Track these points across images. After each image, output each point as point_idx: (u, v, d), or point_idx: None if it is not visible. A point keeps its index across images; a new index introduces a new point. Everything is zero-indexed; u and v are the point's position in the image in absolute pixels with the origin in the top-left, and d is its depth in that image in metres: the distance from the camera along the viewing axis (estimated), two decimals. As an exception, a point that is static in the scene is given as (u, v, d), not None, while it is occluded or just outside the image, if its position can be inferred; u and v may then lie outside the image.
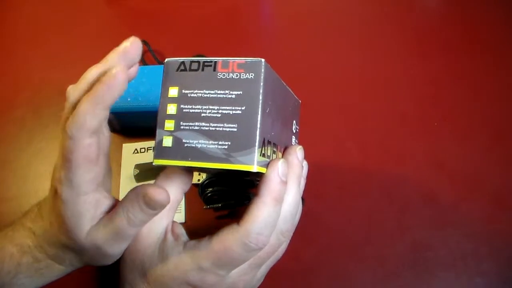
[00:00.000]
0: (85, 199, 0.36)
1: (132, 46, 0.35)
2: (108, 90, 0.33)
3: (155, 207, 0.35)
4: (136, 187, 0.37)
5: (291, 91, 0.42)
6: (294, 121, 0.43)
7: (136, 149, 0.63)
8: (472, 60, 0.71)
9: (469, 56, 0.72)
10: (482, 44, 0.73)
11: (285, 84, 0.40)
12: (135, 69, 0.37)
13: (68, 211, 0.36)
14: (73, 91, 0.35)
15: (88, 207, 0.37)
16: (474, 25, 0.75)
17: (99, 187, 0.37)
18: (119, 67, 0.33)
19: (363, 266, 0.57)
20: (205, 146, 0.34)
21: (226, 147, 0.33)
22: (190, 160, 0.34)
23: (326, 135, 0.65)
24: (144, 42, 0.71)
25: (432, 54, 0.72)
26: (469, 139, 0.65)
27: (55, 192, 0.37)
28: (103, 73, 0.34)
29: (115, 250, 0.38)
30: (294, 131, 0.43)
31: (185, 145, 0.34)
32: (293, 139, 0.43)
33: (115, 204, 0.38)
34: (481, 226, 0.59)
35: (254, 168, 0.33)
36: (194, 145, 0.34)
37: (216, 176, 0.56)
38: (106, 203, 0.38)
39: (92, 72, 0.35)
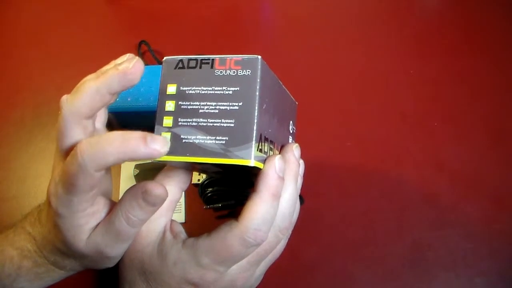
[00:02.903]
0: (83, 214, 0.36)
1: (133, 68, 0.34)
2: (119, 77, 0.34)
3: (154, 202, 0.35)
4: (131, 187, 0.36)
5: (287, 91, 0.42)
6: (291, 122, 0.44)
7: (136, 149, 0.63)
8: (472, 60, 0.71)
9: (469, 56, 0.72)
10: (482, 44, 0.73)
11: (281, 83, 0.40)
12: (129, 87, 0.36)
13: (65, 224, 0.36)
14: (68, 103, 0.35)
15: (86, 220, 0.37)
16: (474, 25, 0.75)
17: (97, 199, 0.37)
18: (139, 61, 0.34)
19: (363, 266, 0.57)
20: (203, 141, 0.34)
21: (223, 142, 0.34)
22: (188, 156, 0.34)
23: (326, 135, 0.65)
24: (144, 42, 0.71)
25: (432, 54, 0.72)
26: (469, 139, 0.65)
27: (50, 204, 0.36)
28: (101, 89, 0.34)
29: (116, 252, 0.38)
30: (291, 131, 0.44)
31: (183, 141, 0.34)
32: (290, 139, 0.43)
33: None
34: (481, 226, 0.59)
35: (252, 163, 0.33)
36: (192, 141, 0.34)
37: (216, 176, 0.56)
38: (104, 211, 0.38)
39: (91, 85, 0.34)
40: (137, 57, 0.35)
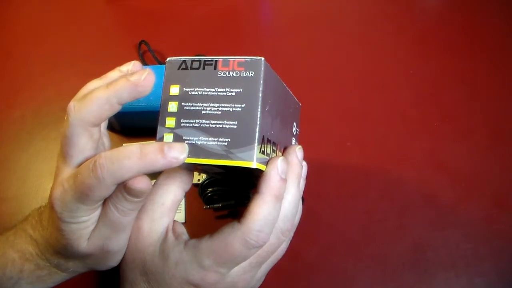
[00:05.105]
0: (87, 218, 0.36)
1: (145, 81, 0.35)
2: (130, 88, 0.34)
3: (137, 195, 0.35)
4: None
5: (291, 93, 0.42)
6: (295, 123, 0.44)
7: (136, 149, 0.63)
8: (472, 60, 0.71)
9: (469, 56, 0.72)
10: (482, 44, 0.73)
11: (285, 85, 0.40)
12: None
13: (68, 229, 0.37)
14: (76, 111, 0.35)
15: (89, 223, 0.37)
16: (474, 25, 0.75)
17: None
18: (150, 73, 0.35)
19: (363, 266, 0.57)
20: (205, 142, 0.34)
21: (226, 143, 0.34)
22: (190, 157, 0.34)
23: (326, 135, 0.65)
24: (144, 42, 0.71)
25: (432, 54, 0.72)
26: (469, 139, 0.65)
27: (53, 208, 0.36)
28: (110, 99, 0.35)
29: (117, 244, 0.38)
30: (294, 133, 0.44)
31: (186, 142, 0.34)
32: (293, 141, 0.43)
33: None
34: (481, 226, 0.59)
35: (254, 165, 0.33)
36: (194, 142, 0.34)
37: (217, 176, 0.56)
38: None
39: (101, 95, 0.35)
40: (148, 69, 0.35)
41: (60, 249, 0.39)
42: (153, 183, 0.39)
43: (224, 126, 0.34)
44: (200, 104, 0.35)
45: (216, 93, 0.35)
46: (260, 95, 0.34)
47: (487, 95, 0.68)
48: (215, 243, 0.36)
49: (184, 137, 0.35)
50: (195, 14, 0.78)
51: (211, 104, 0.34)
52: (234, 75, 0.34)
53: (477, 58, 0.71)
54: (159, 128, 0.35)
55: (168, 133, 0.35)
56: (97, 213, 0.37)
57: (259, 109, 0.33)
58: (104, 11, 0.80)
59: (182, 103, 0.35)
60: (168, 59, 0.37)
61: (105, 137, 0.42)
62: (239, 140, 0.33)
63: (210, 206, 0.58)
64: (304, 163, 0.41)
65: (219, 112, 0.34)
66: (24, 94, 0.70)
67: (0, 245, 0.43)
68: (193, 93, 0.35)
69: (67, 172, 0.36)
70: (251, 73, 0.34)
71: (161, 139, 0.35)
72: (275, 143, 0.37)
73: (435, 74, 0.70)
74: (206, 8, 0.79)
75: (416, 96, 0.68)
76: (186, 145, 0.34)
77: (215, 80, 0.35)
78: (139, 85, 0.34)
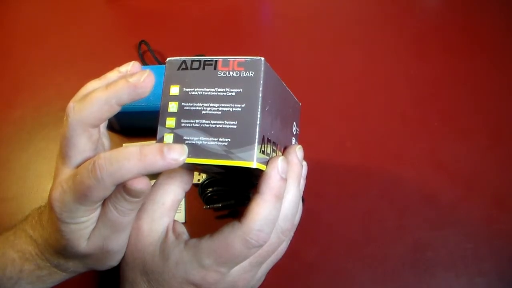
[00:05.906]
0: (86, 219, 0.37)
1: (144, 82, 0.35)
2: (129, 90, 0.34)
3: (136, 195, 0.35)
4: None
5: (291, 93, 0.42)
6: (294, 123, 0.44)
7: (136, 149, 0.63)
8: (472, 60, 0.71)
9: (468, 56, 0.72)
10: (482, 44, 0.73)
11: (285, 85, 0.40)
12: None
13: (68, 229, 0.37)
14: (75, 112, 0.35)
15: (88, 223, 0.37)
16: (474, 25, 0.75)
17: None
18: (150, 75, 0.35)
19: (363, 266, 0.57)
20: (205, 143, 0.34)
21: (226, 143, 0.34)
22: (190, 157, 0.34)
23: (326, 135, 0.65)
24: (144, 42, 0.71)
25: (432, 54, 0.72)
26: (469, 139, 0.65)
27: (52, 209, 0.36)
28: (110, 101, 0.35)
29: (116, 243, 0.38)
30: (294, 133, 0.44)
31: (186, 142, 0.34)
32: (293, 140, 0.43)
33: None
34: (481, 226, 0.59)
35: (254, 164, 0.33)
36: (194, 142, 0.34)
37: (218, 176, 0.56)
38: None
39: (100, 96, 0.35)
40: (147, 70, 0.35)
41: (60, 249, 0.39)
42: (153, 183, 0.40)
43: (224, 126, 0.34)
44: (200, 104, 0.35)
45: (216, 93, 0.35)
46: (260, 95, 0.34)
47: (487, 95, 0.68)
48: (216, 242, 0.36)
49: (184, 137, 0.35)
50: (195, 14, 0.78)
51: (211, 104, 0.34)
52: (234, 75, 0.34)
53: (477, 58, 0.71)
54: (159, 128, 0.35)
55: (168, 133, 0.35)
56: (96, 213, 0.37)
57: (259, 109, 0.34)
58: (104, 11, 0.80)
59: (182, 103, 0.35)
60: (168, 59, 0.37)
61: (105, 137, 0.42)
62: (239, 140, 0.33)
63: (210, 206, 0.58)
64: (304, 163, 0.41)
65: (219, 112, 0.34)
66: (24, 94, 0.70)
67: (0, 245, 0.43)
68: (193, 93, 0.35)
69: (66, 173, 0.36)
70: (251, 73, 0.34)
71: (161, 139, 0.35)
72: (275, 143, 0.37)
73: (435, 74, 0.70)
74: (206, 8, 0.79)
75: (416, 96, 0.68)
76: (186, 147, 0.34)
77: (215, 80, 0.35)
78: (138, 87, 0.34)
